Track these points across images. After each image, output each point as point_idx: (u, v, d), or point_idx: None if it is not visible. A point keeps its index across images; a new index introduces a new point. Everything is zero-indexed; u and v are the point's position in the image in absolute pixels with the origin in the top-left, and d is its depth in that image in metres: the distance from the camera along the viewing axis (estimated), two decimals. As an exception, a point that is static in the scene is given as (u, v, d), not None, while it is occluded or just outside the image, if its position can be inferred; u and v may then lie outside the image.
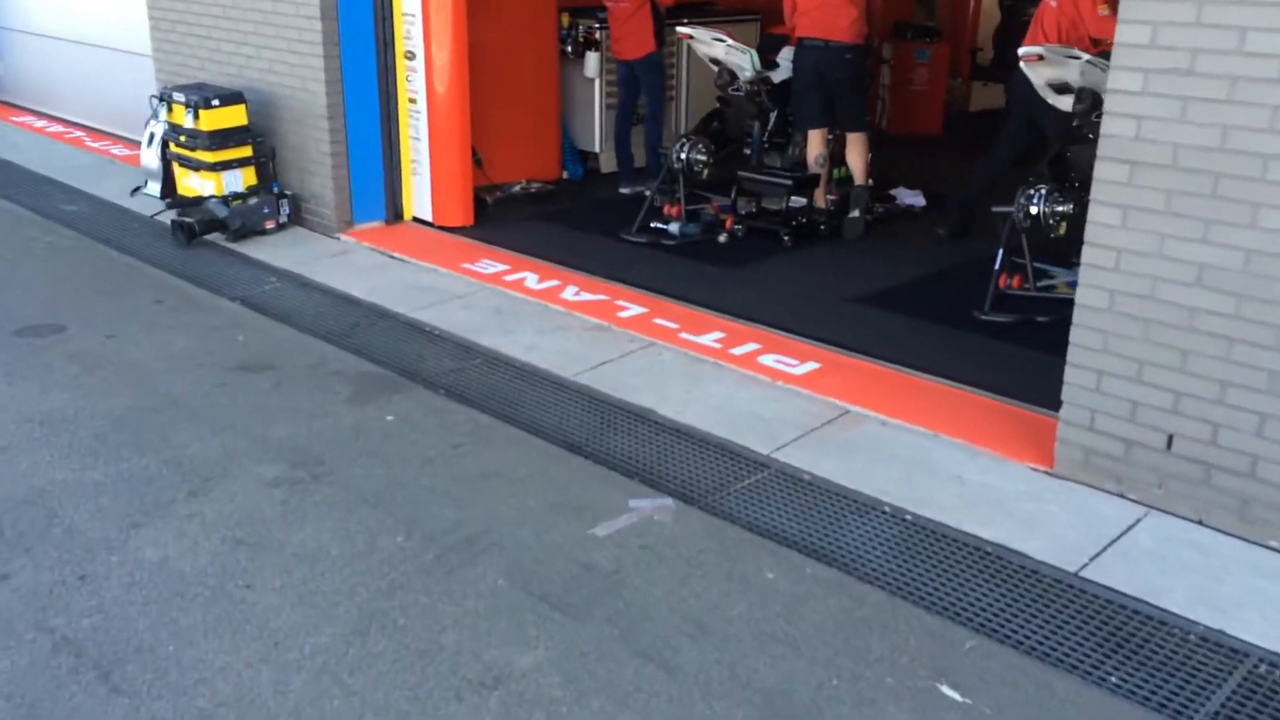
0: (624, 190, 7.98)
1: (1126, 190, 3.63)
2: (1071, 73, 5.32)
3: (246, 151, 6.95)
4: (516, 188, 7.99)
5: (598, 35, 8.16)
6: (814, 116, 6.97)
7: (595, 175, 8.48)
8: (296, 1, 6.67)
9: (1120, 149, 3.62)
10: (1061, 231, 5.53)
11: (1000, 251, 5.63)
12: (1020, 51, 5.50)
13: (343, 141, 6.81)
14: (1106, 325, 3.78)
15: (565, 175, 8.41)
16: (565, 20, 8.27)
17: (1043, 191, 5.47)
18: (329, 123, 6.73)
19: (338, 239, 6.88)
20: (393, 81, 6.97)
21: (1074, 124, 5.35)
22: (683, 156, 6.94)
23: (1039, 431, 4.26)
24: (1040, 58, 5.37)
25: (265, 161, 7.02)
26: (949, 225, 6.94)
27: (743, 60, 6.85)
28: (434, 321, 5.53)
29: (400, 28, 6.89)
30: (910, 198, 7.83)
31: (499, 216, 7.37)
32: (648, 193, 7.20)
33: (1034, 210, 5.47)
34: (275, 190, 6.98)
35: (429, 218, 7.12)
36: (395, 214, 7.19)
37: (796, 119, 7.17)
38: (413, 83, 6.94)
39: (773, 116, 7.23)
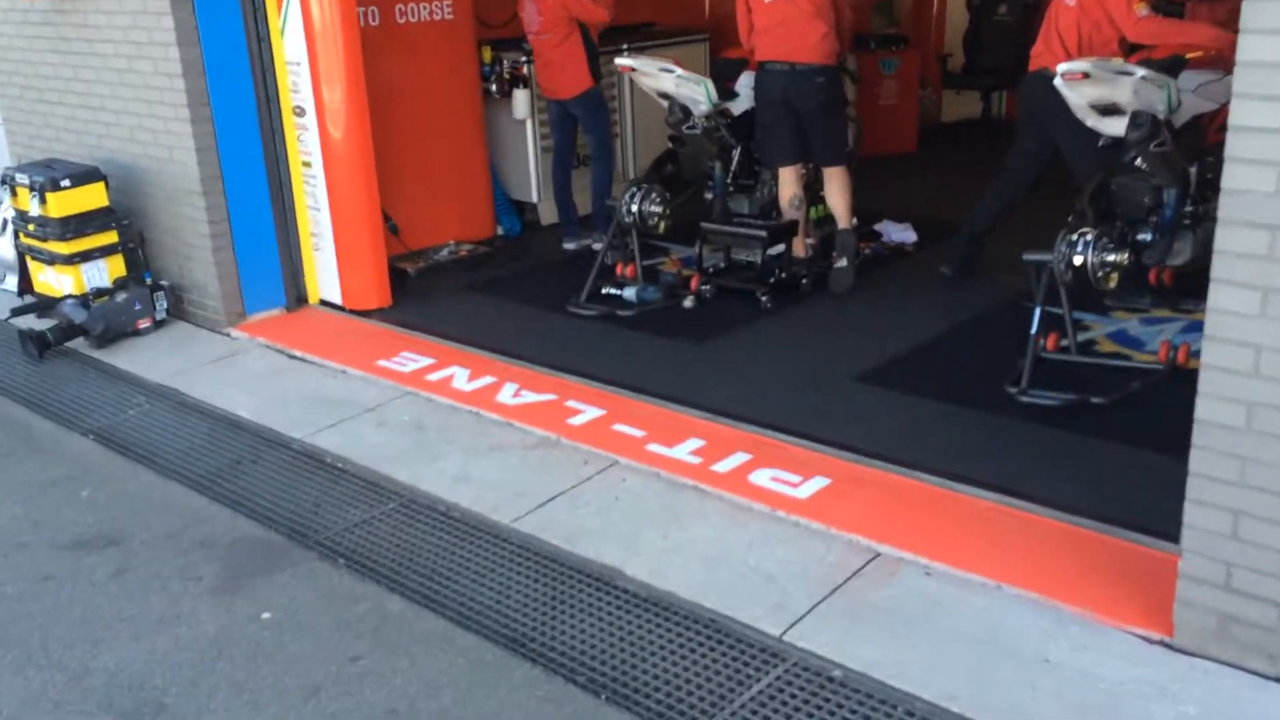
0: (568, 246, 6.87)
1: (1267, 266, 2.57)
2: (1123, 92, 4.30)
3: (110, 238, 5.77)
4: (444, 252, 6.85)
5: (525, 70, 7.06)
6: (785, 152, 5.90)
7: (535, 229, 7.36)
8: (153, 57, 5.52)
9: (1255, 209, 2.56)
10: (1111, 285, 4.49)
11: (1036, 310, 4.57)
12: (1061, 69, 4.46)
13: (224, 219, 5.65)
14: (1244, 449, 2.71)
15: (501, 231, 7.29)
16: (487, 55, 7.16)
17: (1089, 238, 4.42)
18: (205, 198, 5.57)
19: (227, 335, 5.72)
20: (281, 143, 5.83)
21: (1128, 155, 4.35)
22: (633, 208, 5.85)
23: (1140, 573, 3.20)
24: (1085, 75, 4.33)
25: (134, 248, 5.84)
26: (954, 263, 5.89)
27: (697, 92, 5.77)
28: (338, 448, 4.39)
29: (285, 79, 5.75)
30: (899, 233, 6.78)
31: (423, 291, 6.24)
32: (596, 247, 6.10)
33: (1079, 260, 4.41)
34: (148, 281, 5.80)
35: (339, 300, 5.98)
36: (298, 298, 6.04)
37: (764, 156, 6.10)
38: (305, 143, 5.80)
39: (736, 154, 6.15)
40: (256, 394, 4.95)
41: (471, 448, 4.32)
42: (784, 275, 5.82)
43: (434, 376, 5.01)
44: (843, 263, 5.85)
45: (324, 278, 6.01)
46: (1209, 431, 2.77)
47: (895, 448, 4.09)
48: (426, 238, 6.86)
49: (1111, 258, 4.43)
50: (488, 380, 4.93)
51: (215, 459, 4.37)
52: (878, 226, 6.85)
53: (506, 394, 4.78)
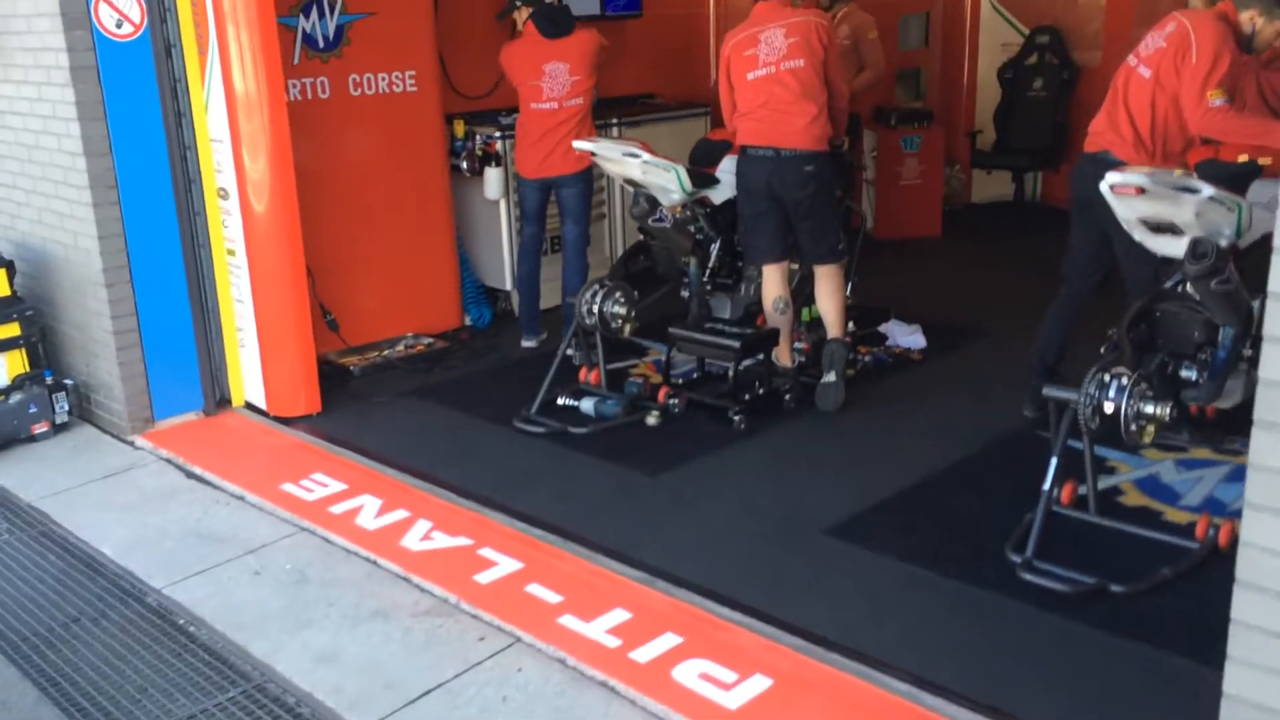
0: (529, 344, 6.17)
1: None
2: (1183, 213, 3.54)
3: (13, 330, 5.15)
4: (400, 346, 6.19)
5: (498, 146, 6.43)
6: (769, 248, 5.18)
7: (507, 319, 6.67)
8: (57, 133, 4.94)
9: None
10: (1146, 440, 3.67)
11: (1052, 462, 3.76)
12: (1110, 181, 3.70)
13: (130, 313, 5.02)
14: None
15: (469, 322, 6.62)
16: (459, 129, 6.54)
17: (1124, 382, 3.60)
18: (108, 290, 4.94)
19: (131, 444, 5.06)
20: (202, 229, 5.21)
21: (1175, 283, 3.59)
22: (595, 309, 5.14)
23: None
24: (1140, 191, 3.57)
25: (36, 343, 5.23)
26: (1035, 404, 4.70)
27: (666, 179, 5.08)
28: (198, 605, 3.68)
29: (209, 158, 5.14)
30: (906, 336, 6.00)
31: (362, 394, 5.56)
32: (569, 350, 5.38)
33: (1109, 408, 3.59)
34: (49, 380, 5.18)
35: (264, 404, 5.31)
36: (219, 401, 5.38)
37: (747, 251, 5.39)
38: (230, 228, 5.18)
39: (714, 248, 5.44)
40: (132, 525, 4.26)
41: (352, 612, 3.59)
42: (762, 391, 5.06)
43: (339, 508, 4.30)
44: (830, 377, 5.07)
45: (249, 378, 5.36)
46: (1248, 639, 1.99)
47: (859, 634, 3.30)
48: (380, 329, 6.21)
49: (1150, 409, 3.59)
50: (398, 516, 4.21)
51: (53, 614, 3.67)
52: (883, 328, 6.08)
53: (415, 536, 4.06)
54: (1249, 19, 4.14)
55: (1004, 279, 7.22)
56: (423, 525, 4.13)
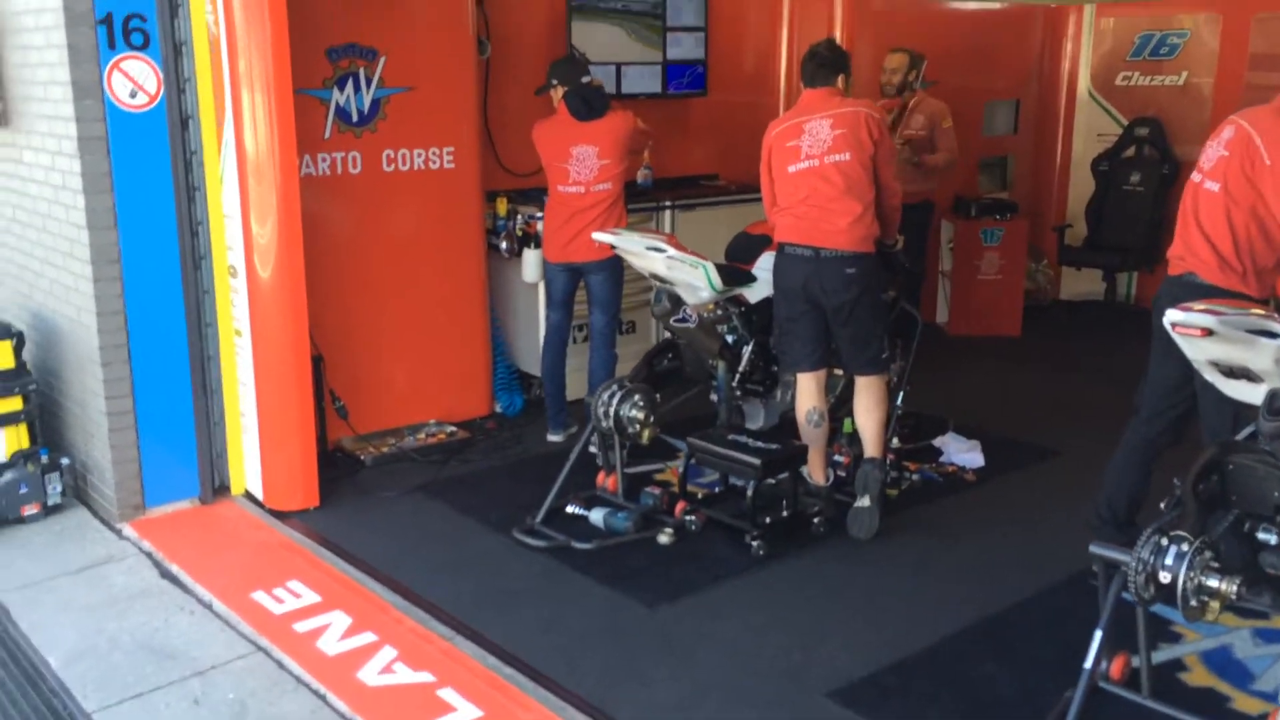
0: (554, 438, 5.80)
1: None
2: (1261, 359, 3.04)
3: (14, 405, 4.97)
4: (422, 433, 5.87)
5: (539, 228, 6.12)
6: (805, 354, 4.73)
7: (539, 407, 6.25)
8: (66, 204, 4.78)
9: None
10: (1210, 617, 3.09)
11: (1096, 635, 3.22)
12: (1170, 319, 3.21)
13: (126, 394, 4.79)
14: None
15: (499, 409, 6.29)
16: (502, 208, 6.26)
17: (1185, 549, 3.05)
18: (104, 369, 4.72)
19: (117, 533, 4.81)
20: (210, 309, 4.98)
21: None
22: (610, 411, 4.75)
23: None
24: (1208, 332, 3.08)
25: (35, 419, 5.04)
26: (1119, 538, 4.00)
27: (694, 276, 4.68)
28: (125, 735, 3.36)
29: (221, 234, 4.93)
30: (962, 454, 5.46)
31: (369, 486, 5.24)
32: (592, 448, 5.01)
33: (1165, 577, 3.05)
34: (44, 459, 4.97)
35: (261, 494, 5.03)
36: (217, 488, 5.11)
37: (781, 357, 4.95)
38: (238, 307, 4.95)
39: (746, 350, 5.01)
40: (87, 631, 3.96)
41: (283, 758, 3.22)
42: (787, 513, 4.59)
43: (305, 625, 3.95)
44: (864, 501, 4.58)
45: (250, 466, 5.09)
46: None
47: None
48: (403, 415, 5.92)
49: (1214, 583, 3.03)
50: (364, 640, 3.84)
51: (-30, 736, 3.39)
52: (937, 441, 5.57)
53: (375, 667, 3.67)
54: None
55: (1085, 389, 6.65)
56: (387, 654, 3.74)
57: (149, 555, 4.59)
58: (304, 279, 4.85)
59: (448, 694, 3.50)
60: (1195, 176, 3.86)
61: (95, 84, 4.57)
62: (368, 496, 5.13)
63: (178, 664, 3.74)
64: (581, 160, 5.31)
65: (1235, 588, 3.04)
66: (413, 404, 5.95)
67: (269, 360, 4.87)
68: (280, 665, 3.73)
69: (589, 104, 5.32)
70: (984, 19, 8.52)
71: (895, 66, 6.73)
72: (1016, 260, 7.92)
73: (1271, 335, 3.02)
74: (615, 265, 5.48)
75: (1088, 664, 3.21)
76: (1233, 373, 3.26)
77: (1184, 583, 3.06)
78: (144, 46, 4.62)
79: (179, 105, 4.77)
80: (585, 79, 5.53)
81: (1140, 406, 4.19)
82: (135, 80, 4.66)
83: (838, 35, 7.30)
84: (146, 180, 4.74)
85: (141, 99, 4.69)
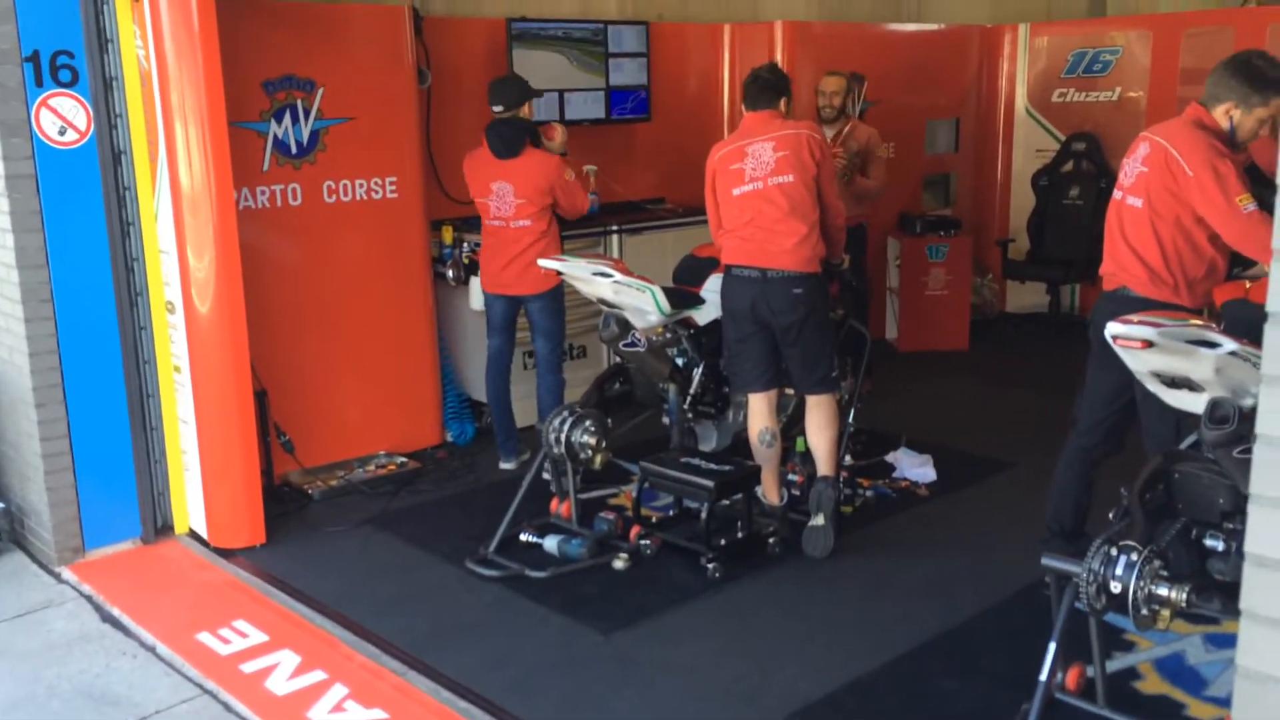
0: (507, 466, 5.73)
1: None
2: (1201, 369, 3.06)
3: (-55, 448, 4.85)
4: (371, 465, 5.79)
5: (483, 256, 6.08)
6: (755, 376, 4.72)
7: (490, 436, 6.19)
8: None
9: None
10: (1162, 625, 3.10)
11: (1050, 647, 3.22)
12: (1112, 332, 3.23)
13: (62, 436, 4.67)
14: None
15: (450, 438, 6.21)
16: (448, 236, 6.21)
17: (1134, 558, 3.06)
18: (38, 410, 4.61)
19: (56, 576, 4.68)
20: (148, 346, 4.88)
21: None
22: (561, 437, 4.70)
23: None
24: (1149, 344, 3.10)
25: (-31, 463, 4.91)
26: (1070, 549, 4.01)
27: (641, 300, 4.67)
28: (64, 787, 3.24)
29: (158, 270, 4.84)
30: (915, 469, 5.47)
31: (317, 521, 5.15)
32: (545, 475, 4.95)
33: (1116, 587, 3.05)
34: (-23, 504, 4.85)
35: (205, 532, 4.92)
36: (159, 527, 4.99)
37: (732, 378, 4.94)
38: (176, 344, 4.85)
39: (697, 373, 5.00)
40: (24, 679, 3.84)
41: (229, 805, 3.13)
42: (742, 534, 4.56)
43: (252, 666, 3.85)
44: (819, 520, 4.56)
45: (193, 504, 4.98)
46: None
47: None
48: (352, 447, 5.83)
49: (1164, 591, 3.04)
50: (314, 678, 3.75)
51: (-99, 793, 3.26)
52: (890, 457, 5.58)
53: (326, 705, 3.59)
54: (1224, 114, 3.72)
55: (1034, 400, 6.69)
56: (337, 692, 3.66)
57: (89, 599, 4.46)
58: (244, 313, 4.76)
59: (400, 732, 3.43)
60: (1117, 194, 3.92)
61: (22, 122, 4.47)
62: (316, 531, 5.03)
63: (119, 710, 3.63)
64: (501, 196, 5.32)
65: (1185, 595, 3.05)
66: (362, 436, 5.86)
67: (210, 396, 4.78)
68: (227, 707, 3.63)
69: (505, 142, 5.26)
70: (923, 40, 8.62)
71: (833, 89, 6.73)
72: (962, 275, 7.99)
73: (1210, 345, 3.05)
74: (553, 294, 5.43)
75: (1043, 676, 3.20)
76: (1174, 383, 3.29)
77: (1135, 592, 3.07)
78: (73, 83, 4.53)
79: (111, 141, 4.69)
80: (522, 100, 5.42)
81: (1078, 418, 4.23)
82: (64, 117, 4.56)
83: (779, 59, 7.34)
84: (78, 217, 4.64)
85: (72, 135, 4.59)
